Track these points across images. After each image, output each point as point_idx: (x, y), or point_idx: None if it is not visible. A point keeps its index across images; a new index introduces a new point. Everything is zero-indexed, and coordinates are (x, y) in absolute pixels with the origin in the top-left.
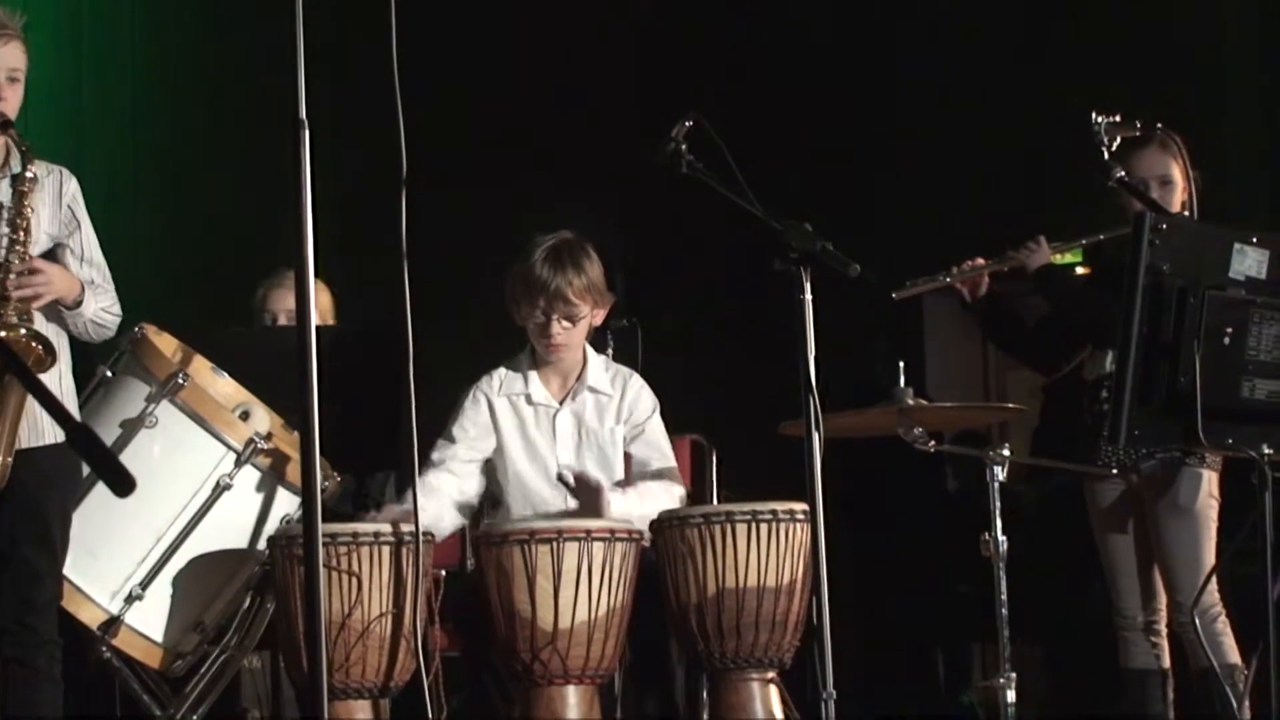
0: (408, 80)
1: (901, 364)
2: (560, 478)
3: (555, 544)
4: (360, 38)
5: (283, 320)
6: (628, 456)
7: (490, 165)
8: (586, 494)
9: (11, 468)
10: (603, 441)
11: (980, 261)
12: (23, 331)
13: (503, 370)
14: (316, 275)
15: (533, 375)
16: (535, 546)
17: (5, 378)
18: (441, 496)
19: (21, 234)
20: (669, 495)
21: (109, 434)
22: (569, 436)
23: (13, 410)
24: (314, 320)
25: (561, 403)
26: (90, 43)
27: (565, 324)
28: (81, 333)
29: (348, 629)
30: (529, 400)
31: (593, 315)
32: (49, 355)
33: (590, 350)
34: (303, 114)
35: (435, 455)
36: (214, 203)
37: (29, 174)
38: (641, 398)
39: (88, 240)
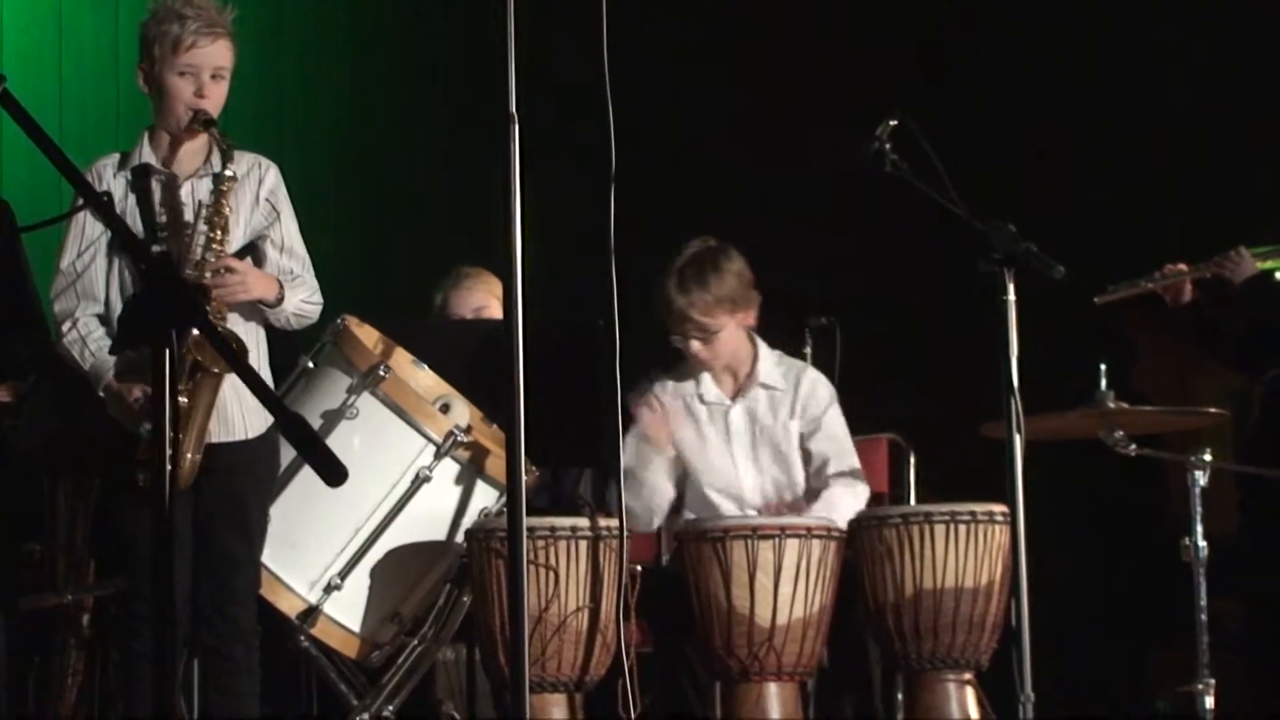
0: (617, 76)
1: (1103, 366)
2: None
3: (778, 540)
4: (570, 33)
5: None
6: (806, 453)
7: (692, 162)
8: None
9: (202, 463)
10: (777, 438)
11: (1182, 266)
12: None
13: (674, 372)
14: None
15: (704, 374)
16: (757, 542)
17: (198, 375)
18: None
19: (219, 233)
20: (855, 499)
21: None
22: (743, 434)
23: (204, 406)
24: (520, 315)
25: (734, 399)
26: (294, 37)
27: (700, 337)
28: (283, 325)
29: (544, 623)
30: (701, 399)
31: (736, 320)
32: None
33: (763, 345)
34: (513, 109)
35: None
36: (414, 198)
37: (229, 173)
38: (817, 389)
39: (287, 230)
